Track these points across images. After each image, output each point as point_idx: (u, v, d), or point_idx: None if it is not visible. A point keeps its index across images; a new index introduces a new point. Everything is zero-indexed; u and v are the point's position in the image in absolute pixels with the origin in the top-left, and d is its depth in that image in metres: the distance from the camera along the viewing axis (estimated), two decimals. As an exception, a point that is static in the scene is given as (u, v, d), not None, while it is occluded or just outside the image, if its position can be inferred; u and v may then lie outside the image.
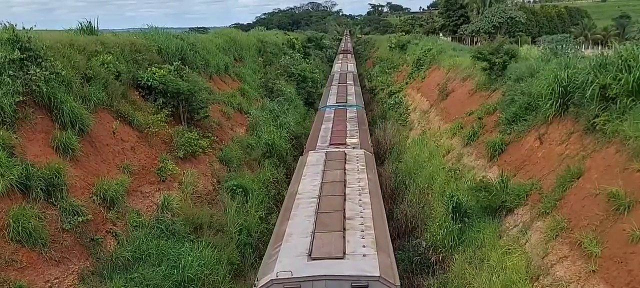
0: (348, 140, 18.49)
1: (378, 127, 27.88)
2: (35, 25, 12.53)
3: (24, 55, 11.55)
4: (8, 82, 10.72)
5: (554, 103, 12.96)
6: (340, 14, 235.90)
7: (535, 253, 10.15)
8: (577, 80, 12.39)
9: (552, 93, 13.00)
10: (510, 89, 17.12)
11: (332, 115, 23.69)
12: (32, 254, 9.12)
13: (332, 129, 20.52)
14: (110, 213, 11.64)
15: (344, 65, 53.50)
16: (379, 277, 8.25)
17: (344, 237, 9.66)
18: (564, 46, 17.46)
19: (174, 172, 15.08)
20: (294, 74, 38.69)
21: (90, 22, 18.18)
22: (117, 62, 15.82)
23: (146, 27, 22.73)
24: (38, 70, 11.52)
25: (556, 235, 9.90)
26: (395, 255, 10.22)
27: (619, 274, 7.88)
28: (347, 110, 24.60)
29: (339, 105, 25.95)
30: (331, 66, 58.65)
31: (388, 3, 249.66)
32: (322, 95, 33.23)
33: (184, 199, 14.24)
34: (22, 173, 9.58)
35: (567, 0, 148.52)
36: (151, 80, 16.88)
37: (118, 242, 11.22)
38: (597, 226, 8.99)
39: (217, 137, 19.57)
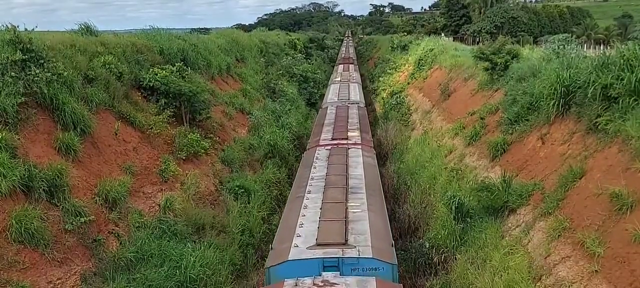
0: None
1: (380, 128, 27.84)
2: (36, 27, 12.60)
3: (26, 56, 11.59)
4: (10, 83, 10.75)
5: (556, 103, 12.91)
6: (342, 14, 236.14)
7: (538, 253, 10.12)
8: (579, 80, 12.35)
9: (554, 93, 12.95)
10: (512, 89, 17.07)
11: None
12: (35, 255, 9.15)
13: None
14: (112, 214, 11.67)
15: (344, 88, 33.15)
16: None
17: None
18: (565, 46, 17.41)
19: (176, 172, 15.10)
20: (295, 75, 38.75)
21: (87, 24, 18.30)
22: (118, 63, 15.86)
23: (148, 27, 22.79)
24: (40, 71, 11.56)
25: (559, 235, 9.87)
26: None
27: (622, 274, 7.85)
28: None
29: (327, 264, 9.14)
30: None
31: (390, 3, 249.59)
32: (288, 199, 13.81)
33: (186, 200, 14.25)
34: (24, 174, 9.62)
35: (569, 0, 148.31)
36: (153, 81, 16.92)
37: (120, 243, 11.25)
38: (600, 226, 8.96)
39: (219, 137, 19.60)
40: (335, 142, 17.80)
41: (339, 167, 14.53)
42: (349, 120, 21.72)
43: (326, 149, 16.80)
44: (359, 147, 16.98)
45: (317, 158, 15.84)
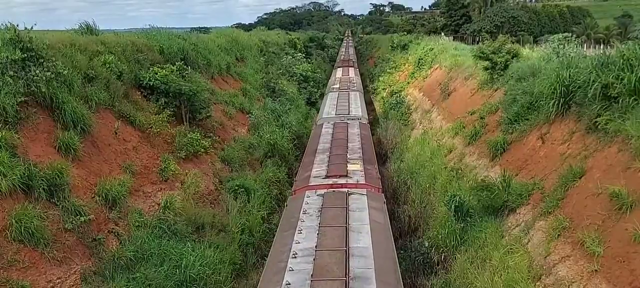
0: None
1: (380, 127, 27.85)
2: (35, 24, 12.59)
3: (26, 55, 11.57)
4: (10, 82, 10.75)
5: (556, 102, 12.92)
6: (342, 13, 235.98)
7: (538, 253, 10.13)
8: (579, 80, 12.36)
9: (554, 92, 12.97)
10: (512, 88, 17.08)
11: None
12: (35, 254, 9.14)
13: None
14: (112, 213, 11.66)
15: (343, 98, 27.99)
16: None
17: None
18: (565, 45, 17.43)
19: (176, 172, 15.09)
20: (295, 74, 38.81)
21: (88, 24, 18.32)
22: (118, 62, 15.86)
23: (148, 27, 22.80)
24: (40, 70, 11.55)
25: (558, 235, 9.87)
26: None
27: (622, 274, 7.85)
28: None
29: None
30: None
31: (390, 3, 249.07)
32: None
33: (186, 199, 14.25)
34: (24, 174, 9.62)
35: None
36: (153, 80, 16.93)
37: (120, 242, 11.25)
38: (600, 225, 8.96)
39: (219, 137, 19.60)
40: (330, 182, 13.40)
41: (335, 234, 9.85)
42: (349, 145, 17.34)
43: (318, 195, 12.32)
44: (364, 191, 12.52)
45: (304, 213, 11.22)
